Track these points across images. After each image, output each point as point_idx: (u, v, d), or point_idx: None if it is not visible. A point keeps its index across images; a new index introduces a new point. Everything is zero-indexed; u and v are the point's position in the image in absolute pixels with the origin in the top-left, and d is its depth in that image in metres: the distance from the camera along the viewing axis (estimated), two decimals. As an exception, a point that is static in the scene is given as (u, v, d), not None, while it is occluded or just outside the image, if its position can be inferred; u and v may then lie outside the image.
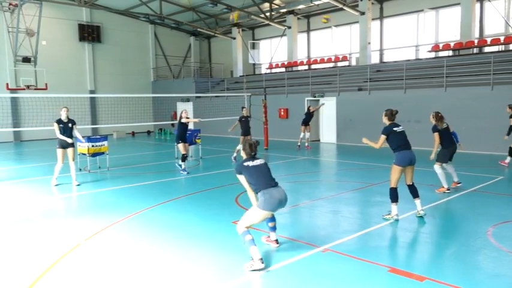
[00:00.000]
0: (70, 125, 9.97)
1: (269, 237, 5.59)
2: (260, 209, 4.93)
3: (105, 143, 12.42)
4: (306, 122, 16.38)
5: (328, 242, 5.62)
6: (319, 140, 19.86)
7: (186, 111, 11.76)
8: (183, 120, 11.47)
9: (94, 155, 12.17)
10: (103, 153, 12.38)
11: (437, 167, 8.58)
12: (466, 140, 14.60)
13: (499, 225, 6.23)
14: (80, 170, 12.09)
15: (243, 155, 5.27)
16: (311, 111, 16.54)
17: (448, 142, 8.61)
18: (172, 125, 25.63)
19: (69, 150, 9.90)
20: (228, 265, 4.97)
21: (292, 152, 15.86)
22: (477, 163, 11.98)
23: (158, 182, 10.48)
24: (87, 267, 4.98)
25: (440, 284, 4.30)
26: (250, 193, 5.14)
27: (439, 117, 8.59)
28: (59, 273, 4.80)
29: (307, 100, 20.07)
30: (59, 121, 9.88)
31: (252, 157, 5.20)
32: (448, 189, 8.50)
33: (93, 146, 12.05)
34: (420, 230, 6.32)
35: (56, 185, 9.85)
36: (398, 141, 6.58)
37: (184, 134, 11.66)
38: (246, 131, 13.50)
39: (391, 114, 6.68)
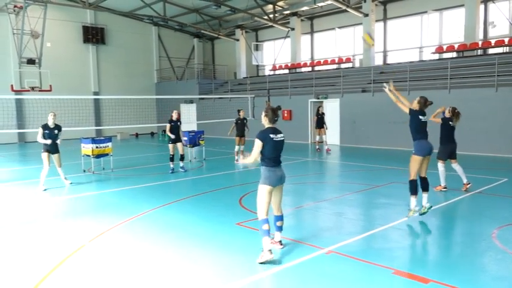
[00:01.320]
0: (56, 131, 9.84)
1: (273, 238, 5.50)
2: (263, 184, 5.13)
3: (109, 144, 12.46)
4: (319, 125, 15.95)
5: (332, 243, 5.61)
6: (322, 142, 19.80)
7: (176, 112, 12.19)
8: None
9: (98, 156, 12.20)
10: (107, 154, 12.42)
11: (440, 165, 8.69)
12: (470, 141, 14.59)
13: (503, 228, 6.20)
14: (84, 171, 12.13)
15: (266, 122, 5.22)
16: (320, 113, 15.99)
17: (447, 139, 8.71)
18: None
19: (55, 156, 9.85)
20: (231, 266, 4.98)
21: (295, 153, 15.84)
22: (481, 165, 11.93)
23: (162, 183, 10.50)
24: (92, 268, 4.99)
25: (445, 287, 4.28)
26: (251, 158, 5.15)
27: (455, 113, 8.71)
28: (64, 274, 4.82)
29: (310, 102, 20.07)
30: (45, 127, 9.77)
31: (275, 128, 5.19)
32: (445, 188, 8.64)
33: (97, 147, 12.09)
34: (425, 232, 6.30)
35: (45, 190, 9.63)
36: (420, 129, 6.60)
37: (173, 135, 11.82)
38: (241, 132, 13.54)
39: (424, 104, 6.72)
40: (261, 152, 5.12)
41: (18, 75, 22.02)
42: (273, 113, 5.18)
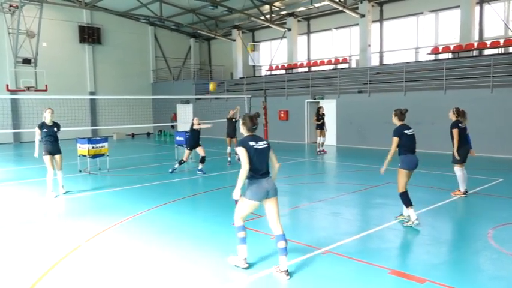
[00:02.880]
0: (55, 129, 9.04)
1: (279, 266, 4.70)
2: (247, 198, 4.70)
3: (105, 144, 12.43)
4: (321, 127, 15.55)
5: (329, 244, 5.62)
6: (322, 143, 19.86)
7: (197, 118, 12.02)
8: (195, 127, 11.71)
9: (94, 156, 12.17)
10: (103, 154, 12.39)
11: (457, 169, 8.30)
12: (465, 142, 14.65)
13: (499, 228, 6.24)
14: (80, 171, 12.10)
15: (244, 131, 4.83)
16: (320, 114, 15.59)
17: (464, 142, 8.28)
18: (172, 126, 25.66)
19: (57, 157, 9.05)
20: (228, 267, 4.97)
21: (292, 154, 15.86)
22: (477, 165, 11.97)
23: (158, 183, 10.48)
24: (88, 268, 4.98)
25: (441, 286, 4.30)
26: (243, 169, 4.58)
27: (461, 113, 8.24)
28: (60, 274, 4.80)
29: (307, 102, 20.10)
30: (42, 125, 8.94)
31: (255, 136, 4.79)
32: (464, 193, 8.26)
33: (93, 147, 12.06)
34: (421, 232, 6.32)
35: (56, 197, 8.95)
36: (408, 145, 6.34)
37: (193, 141, 11.83)
38: (230, 133, 13.42)
39: (401, 114, 6.44)
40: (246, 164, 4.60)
41: (13, 75, 21.94)
42: (251, 121, 4.77)
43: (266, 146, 4.79)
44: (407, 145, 6.35)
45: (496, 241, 5.64)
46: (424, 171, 10.62)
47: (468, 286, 4.33)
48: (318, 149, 15.89)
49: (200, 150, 11.80)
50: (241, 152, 4.60)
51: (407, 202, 6.35)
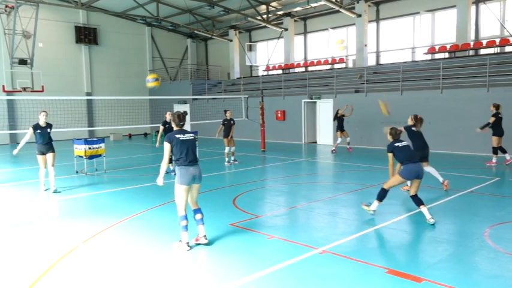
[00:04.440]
0: (48, 130, 9.54)
1: (198, 235, 5.68)
2: (178, 183, 5.50)
3: (102, 145, 12.39)
4: (340, 128, 15.51)
5: (326, 243, 5.63)
6: (316, 142, 19.89)
7: (170, 113, 11.60)
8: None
9: (91, 157, 12.13)
10: (100, 155, 12.35)
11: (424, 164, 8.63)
12: (461, 141, 14.71)
13: (495, 227, 6.26)
14: (77, 172, 12.06)
15: (174, 126, 5.68)
16: (339, 115, 15.54)
17: (421, 144, 8.53)
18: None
19: (49, 156, 9.51)
20: (225, 267, 4.97)
21: (289, 153, 15.88)
22: (473, 164, 12.03)
23: (155, 184, 10.42)
24: (85, 270, 4.96)
25: (438, 285, 4.31)
26: (164, 163, 5.65)
27: (418, 119, 8.56)
28: (57, 275, 4.78)
29: (304, 102, 20.12)
30: (36, 127, 9.41)
31: (182, 130, 5.62)
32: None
33: (90, 148, 12.02)
34: (417, 231, 6.34)
35: (46, 190, 9.57)
36: (403, 156, 6.72)
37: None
38: (228, 133, 13.41)
39: (395, 134, 6.95)
40: (173, 153, 5.55)
41: (9, 75, 21.85)
42: (178, 118, 5.62)
43: (191, 137, 5.64)
44: (401, 156, 6.75)
45: (492, 240, 5.66)
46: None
47: (465, 285, 4.34)
48: (333, 148, 16.01)
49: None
50: (165, 147, 5.55)
51: (381, 197, 6.87)
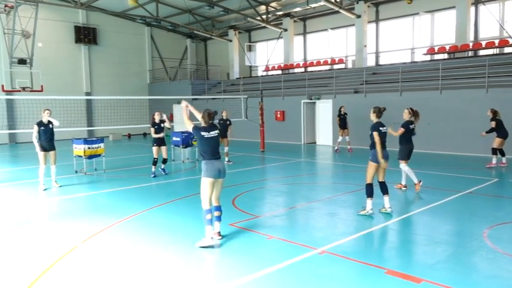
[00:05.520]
0: (50, 126, 9.90)
1: (213, 231, 5.74)
2: (204, 177, 5.67)
3: (102, 145, 12.39)
4: (342, 125, 15.70)
5: (326, 244, 5.63)
6: (315, 143, 19.89)
7: (158, 113, 11.60)
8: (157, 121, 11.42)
9: (90, 157, 12.13)
10: (99, 155, 12.35)
11: (403, 165, 8.84)
12: (461, 142, 14.72)
13: (494, 227, 6.27)
14: (76, 172, 12.06)
15: (202, 123, 5.88)
16: (342, 112, 15.73)
17: (410, 139, 8.87)
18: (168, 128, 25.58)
19: (51, 153, 9.87)
20: (225, 267, 4.98)
21: (288, 154, 15.88)
22: (472, 165, 12.04)
23: (155, 184, 10.46)
24: (84, 269, 4.96)
25: (437, 286, 4.32)
26: (186, 122, 5.98)
27: (415, 112, 8.99)
28: (56, 275, 4.78)
29: (303, 102, 20.12)
30: (40, 123, 9.76)
31: (210, 126, 5.83)
32: (405, 186, 8.91)
33: (89, 148, 12.02)
34: (416, 231, 6.35)
35: (45, 190, 9.68)
36: (382, 141, 7.00)
37: (157, 138, 11.33)
38: (223, 133, 13.36)
39: (379, 112, 7.13)
40: (198, 146, 5.89)
41: (9, 75, 21.82)
42: (208, 117, 5.87)
43: (216, 134, 5.85)
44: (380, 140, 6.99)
45: (491, 241, 5.68)
46: (420, 171, 10.64)
47: (464, 285, 4.35)
48: (336, 147, 16.28)
49: (164, 150, 11.40)
50: (193, 131, 5.85)
51: (369, 193, 7.01)
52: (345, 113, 15.74)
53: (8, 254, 5.56)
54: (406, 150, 8.83)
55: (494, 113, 11.68)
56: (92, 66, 26.61)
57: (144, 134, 28.42)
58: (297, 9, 23.26)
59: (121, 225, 6.78)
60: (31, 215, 7.71)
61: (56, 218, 7.59)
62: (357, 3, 20.70)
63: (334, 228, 6.57)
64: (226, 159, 13.48)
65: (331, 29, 23.73)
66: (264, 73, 26.81)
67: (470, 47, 17.95)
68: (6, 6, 21.18)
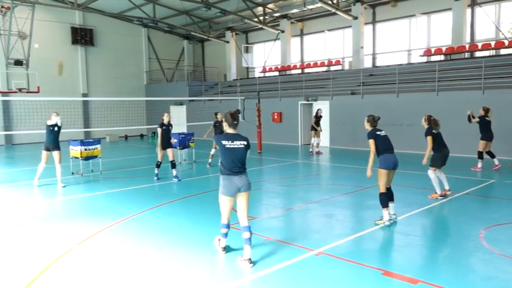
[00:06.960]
0: (55, 128, 10.30)
1: (242, 256, 5.04)
2: (220, 193, 5.10)
3: (98, 146, 12.36)
4: (314, 127, 15.84)
5: (322, 245, 5.63)
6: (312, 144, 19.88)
7: (167, 114, 11.19)
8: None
9: (87, 158, 12.09)
10: (96, 156, 12.31)
11: (430, 172, 8.35)
12: (457, 143, 14.72)
13: (490, 228, 6.29)
14: (73, 173, 12.02)
15: (225, 126, 5.14)
16: (319, 114, 15.86)
17: (441, 146, 8.41)
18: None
19: (55, 153, 10.10)
20: (222, 268, 4.97)
21: (285, 155, 15.89)
22: (468, 166, 12.07)
23: (151, 185, 10.44)
24: (80, 271, 4.94)
25: (434, 287, 4.33)
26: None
27: (432, 121, 8.48)
28: (52, 277, 4.76)
29: (300, 104, 20.14)
30: (48, 125, 10.31)
31: (233, 134, 5.08)
32: (440, 196, 8.25)
33: (86, 149, 11.98)
34: (413, 233, 6.36)
35: (39, 186, 9.97)
36: (383, 145, 6.63)
37: (163, 140, 10.80)
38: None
39: (373, 121, 6.81)
40: (220, 156, 5.10)
41: (5, 76, 21.71)
42: (232, 117, 5.08)
43: (242, 146, 5.05)
44: (382, 145, 6.63)
45: (488, 242, 5.69)
46: (418, 173, 10.69)
47: (460, 286, 4.36)
48: (310, 150, 16.19)
49: (170, 153, 10.91)
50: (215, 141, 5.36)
51: (385, 203, 6.58)
52: (321, 116, 15.93)
53: (4, 256, 5.53)
54: (440, 156, 8.33)
55: (486, 111, 11.45)
56: (88, 68, 26.54)
57: (141, 135, 28.37)
58: (294, 10, 23.28)
59: (117, 226, 6.76)
60: (27, 217, 7.67)
61: (52, 220, 7.56)
62: (354, 4, 20.76)
63: (331, 230, 6.57)
64: (210, 160, 13.39)
65: (328, 30, 23.78)
66: (261, 74, 26.83)
67: (467, 49, 18.02)
68: (2, 7, 21.10)
